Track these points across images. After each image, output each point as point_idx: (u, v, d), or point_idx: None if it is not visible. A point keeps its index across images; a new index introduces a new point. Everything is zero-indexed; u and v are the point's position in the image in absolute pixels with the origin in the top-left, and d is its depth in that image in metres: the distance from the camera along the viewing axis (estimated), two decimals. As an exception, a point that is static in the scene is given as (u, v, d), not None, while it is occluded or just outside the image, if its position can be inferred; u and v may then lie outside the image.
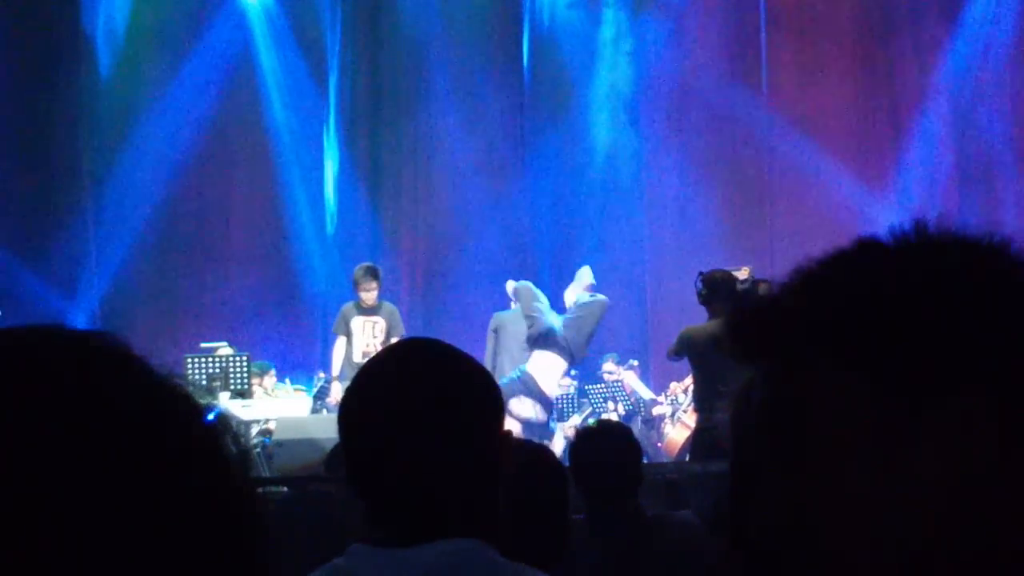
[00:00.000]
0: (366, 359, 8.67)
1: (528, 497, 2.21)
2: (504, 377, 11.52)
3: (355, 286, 12.34)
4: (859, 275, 0.95)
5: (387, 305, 12.36)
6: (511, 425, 10.99)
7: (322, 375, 13.77)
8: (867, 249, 0.98)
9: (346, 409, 1.90)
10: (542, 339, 11.62)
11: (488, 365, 12.15)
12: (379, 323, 12.08)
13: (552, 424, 11.83)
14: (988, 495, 0.88)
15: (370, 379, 1.92)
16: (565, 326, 11.68)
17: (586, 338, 11.77)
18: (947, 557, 0.88)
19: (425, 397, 1.84)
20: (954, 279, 0.92)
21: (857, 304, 0.92)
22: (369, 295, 12.12)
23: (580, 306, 11.84)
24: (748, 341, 0.98)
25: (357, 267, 12.77)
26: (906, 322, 0.90)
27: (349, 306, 12.31)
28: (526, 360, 11.92)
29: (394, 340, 11.86)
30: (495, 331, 12.39)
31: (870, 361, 0.90)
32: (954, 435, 0.88)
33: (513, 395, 11.27)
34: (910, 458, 0.89)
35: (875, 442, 0.90)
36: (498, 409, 1.93)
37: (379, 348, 11.82)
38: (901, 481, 0.89)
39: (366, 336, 12.02)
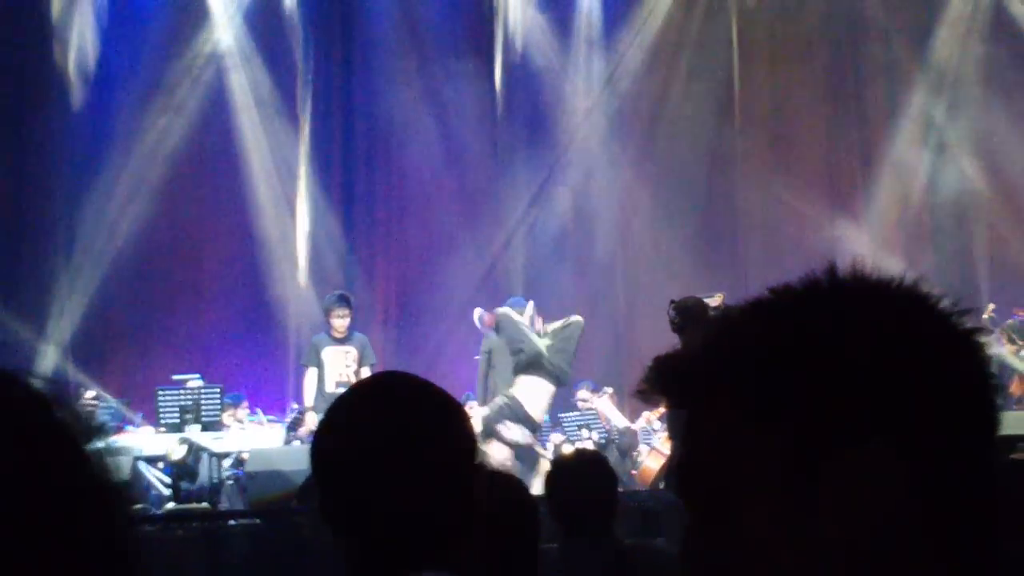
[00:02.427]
0: (339, 388, 8.68)
1: (499, 529, 2.18)
2: (493, 403, 11.51)
3: (326, 314, 12.27)
4: (762, 326, 0.94)
5: (358, 335, 12.30)
6: (501, 449, 10.96)
7: (295, 406, 13.71)
8: (776, 299, 0.97)
9: (319, 446, 1.88)
10: (531, 365, 11.59)
11: (480, 387, 12.12)
12: (351, 352, 12.02)
13: (537, 448, 11.80)
14: (892, 546, 0.87)
15: (342, 415, 1.90)
16: (550, 351, 11.66)
17: (569, 362, 11.76)
18: None
19: (398, 433, 1.82)
20: (856, 329, 0.91)
21: (757, 356, 0.91)
22: (341, 322, 12.04)
23: (557, 332, 11.80)
24: (667, 391, 0.98)
25: (328, 296, 12.72)
26: (805, 375, 0.89)
27: (320, 337, 12.24)
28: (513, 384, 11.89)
29: (366, 370, 11.84)
30: (488, 352, 12.32)
31: (770, 414, 0.89)
32: (854, 487, 0.88)
33: (500, 420, 11.24)
34: (811, 511, 0.88)
35: (778, 495, 0.89)
36: (471, 442, 1.91)
37: (352, 378, 11.78)
38: (804, 535, 0.88)
39: (338, 366, 11.95)
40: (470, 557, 1.86)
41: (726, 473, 0.91)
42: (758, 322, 0.95)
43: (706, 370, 0.94)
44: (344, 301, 12.27)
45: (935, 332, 0.93)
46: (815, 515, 0.88)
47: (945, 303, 0.95)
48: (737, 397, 0.91)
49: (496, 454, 11.14)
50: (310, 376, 12.10)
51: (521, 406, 11.28)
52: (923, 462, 0.88)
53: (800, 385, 0.89)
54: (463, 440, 1.89)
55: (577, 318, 11.92)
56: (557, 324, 11.78)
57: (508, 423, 11.24)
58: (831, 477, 0.88)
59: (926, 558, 0.88)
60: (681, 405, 0.96)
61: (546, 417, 13.03)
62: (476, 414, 11.42)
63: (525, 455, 11.35)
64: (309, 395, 12.09)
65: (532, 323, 11.84)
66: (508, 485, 2.71)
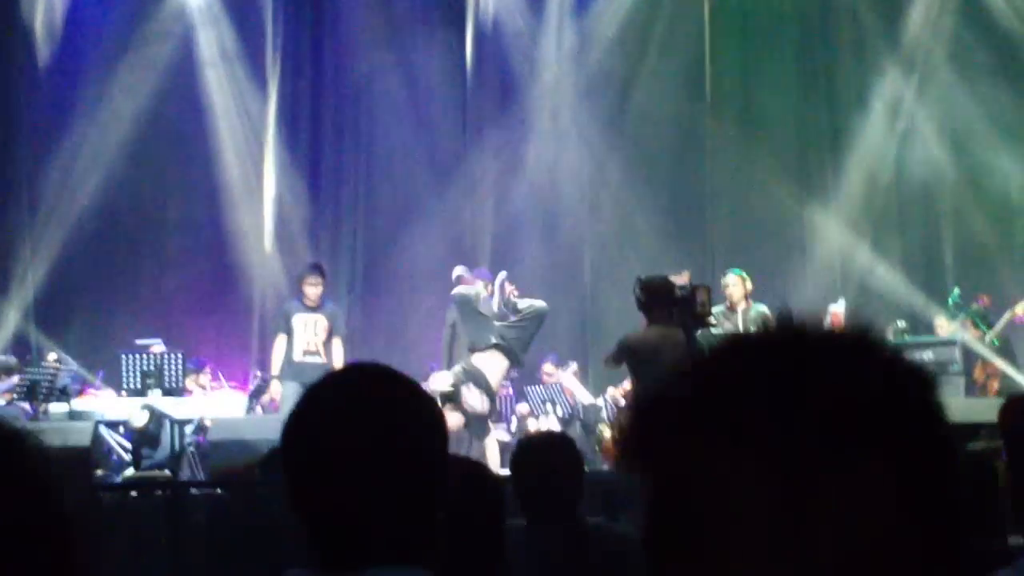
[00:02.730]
0: (307, 357, 8.63)
1: (463, 515, 2.18)
2: (456, 368, 11.51)
3: (299, 282, 12.24)
4: (737, 366, 0.97)
5: (330, 305, 12.27)
6: (454, 417, 10.97)
7: (258, 373, 13.67)
8: (739, 346, 1.00)
9: (289, 434, 1.86)
10: (488, 346, 11.58)
11: (445, 356, 12.10)
12: (320, 321, 11.97)
13: (490, 422, 11.81)
14: (886, 559, 0.91)
15: (314, 404, 1.88)
16: (508, 329, 11.63)
17: (526, 345, 11.73)
18: None
19: (368, 424, 1.81)
20: (833, 368, 0.95)
21: (742, 389, 0.94)
22: (313, 291, 11.99)
23: (522, 312, 11.76)
24: (639, 442, 0.99)
25: (303, 265, 12.71)
26: (794, 403, 0.92)
27: (291, 304, 12.20)
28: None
29: (336, 341, 11.82)
30: (452, 324, 12.30)
31: (760, 439, 0.92)
32: (847, 507, 0.91)
33: (464, 383, 11.26)
34: (804, 536, 0.91)
35: (769, 521, 0.91)
36: (441, 435, 1.90)
37: (320, 348, 11.75)
38: (796, 557, 0.91)
39: (307, 334, 11.91)
40: (435, 548, 1.85)
41: (714, 513, 0.93)
42: (740, 362, 0.98)
43: (696, 408, 0.96)
44: (318, 270, 12.26)
45: (900, 367, 0.98)
46: (811, 542, 0.91)
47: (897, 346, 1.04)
48: (722, 434, 0.93)
49: (450, 421, 11.14)
50: (279, 343, 12.05)
51: (483, 375, 11.30)
52: (908, 480, 0.92)
53: (789, 416, 0.92)
54: (433, 432, 1.89)
55: (541, 305, 11.81)
56: (523, 304, 11.73)
57: (471, 386, 11.27)
58: (822, 494, 0.91)
59: (914, 571, 0.92)
60: (660, 452, 0.97)
61: (507, 387, 13.04)
62: (442, 377, 11.43)
63: (476, 425, 11.37)
64: (276, 362, 12.04)
65: (503, 292, 11.78)
66: (473, 469, 2.70)
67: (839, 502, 0.91)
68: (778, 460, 0.91)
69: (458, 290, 11.89)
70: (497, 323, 11.57)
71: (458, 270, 12.25)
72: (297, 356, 11.82)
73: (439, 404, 1.95)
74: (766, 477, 0.91)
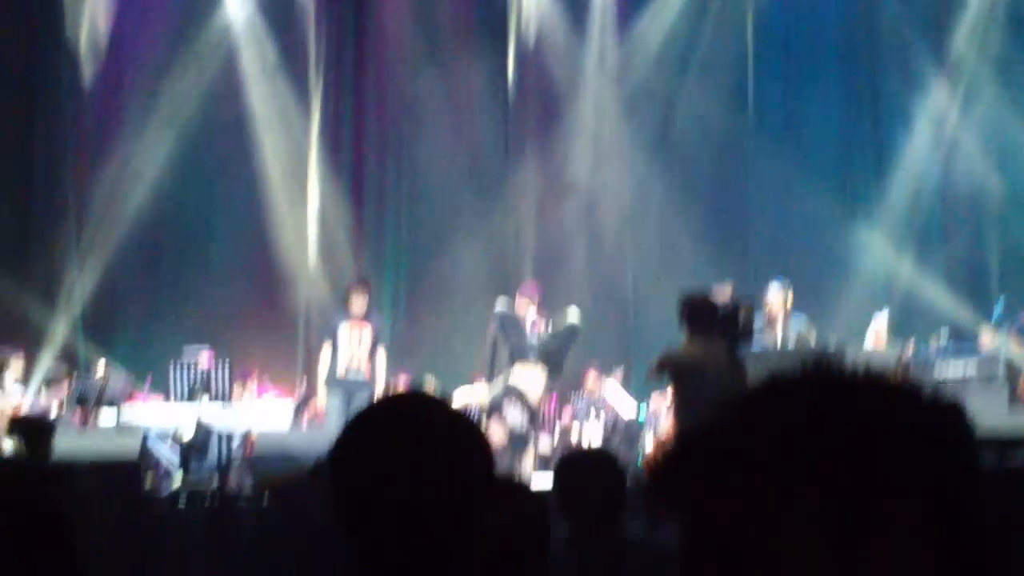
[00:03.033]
0: (349, 374, 8.69)
1: (508, 539, 2.22)
2: (497, 383, 11.59)
3: (346, 293, 12.35)
4: (783, 407, 0.97)
5: (376, 315, 12.48)
6: (498, 432, 11.03)
7: (304, 382, 13.79)
8: (781, 390, 1.00)
9: (338, 457, 1.91)
10: (526, 355, 11.65)
11: (487, 371, 12.13)
12: (367, 333, 12.07)
13: (531, 439, 11.85)
14: None
15: (363, 428, 1.93)
16: (543, 345, 11.71)
17: (562, 363, 11.82)
18: None
19: (416, 450, 1.85)
20: (881, 418, 0.96)
21: (791, 441, 0.94)
22: (360, 300, 12.14)
23: (556, 332, 11.87)
24: (676, 483, 0.99)
25: (348, 282, 12.86)
26: (843, 458, 0.93)
27: (338, 314, 12.36)
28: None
29: (380, 349, 11.92)
30: (493, 342, 12.35)
31: (810, 491, 0.92)
32: (891, 547, 0.92)
33: (507, 397, 11.36)
34: (859, 569, 0.92)
35: (820, 563, 0.92)
36: (487, 461, 1.94)
37: (363, 360, 11.83)
38: None
39: (352, 346, 12.00)
40: (479, 571, 1.90)
41: (755, 561, 0.93)
42: (783, 402, 0.98)
43: (747, 448, 0.96)
44: (364, 284, 12.48)
45: (937, 409, 0.99)
46: (866, 568, 0.92)
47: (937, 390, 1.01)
48: (770, 475, 0.94)
49: (494, 436, 11.22)
50: (324, 352, 12.17)
51: (523, 394, 11.35)
52: (945, 522, 0.94)
53: (834, 457, 0.93)
54: (478, 459, 1.92)
55: (573, 321, 11.89)
56: (560, 326, 11.86)
57: (512, 404, 11.32)
58: (870, 540, 0.92)
59: None
60: (698, 497, 0.97)
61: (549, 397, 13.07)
62: (482, 389, 11.50)
63: (516, 441, 11.42)
64: (322, 372, 12.17)
65: (534, 326, 11.89)
66: (518, 494, 2.74)
67: (889, 559, 0.92)
68: (830, 515, 0.92)
69: (500, 307, 11.98)
70: (538, 336, 11.67)
71: (499, 304, 12.27)
72: (340, 371, 11.91)
73: (482, 426, 1.98)
74: (816, 531, 0.92)
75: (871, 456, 0.93)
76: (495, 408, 11.37)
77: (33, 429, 7.94)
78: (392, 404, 2.02)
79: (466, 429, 1.95)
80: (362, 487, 1.87)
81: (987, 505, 0.98)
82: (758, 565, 0.93)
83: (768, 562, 0.93)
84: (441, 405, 1.98)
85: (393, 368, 13.08)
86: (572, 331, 11.88)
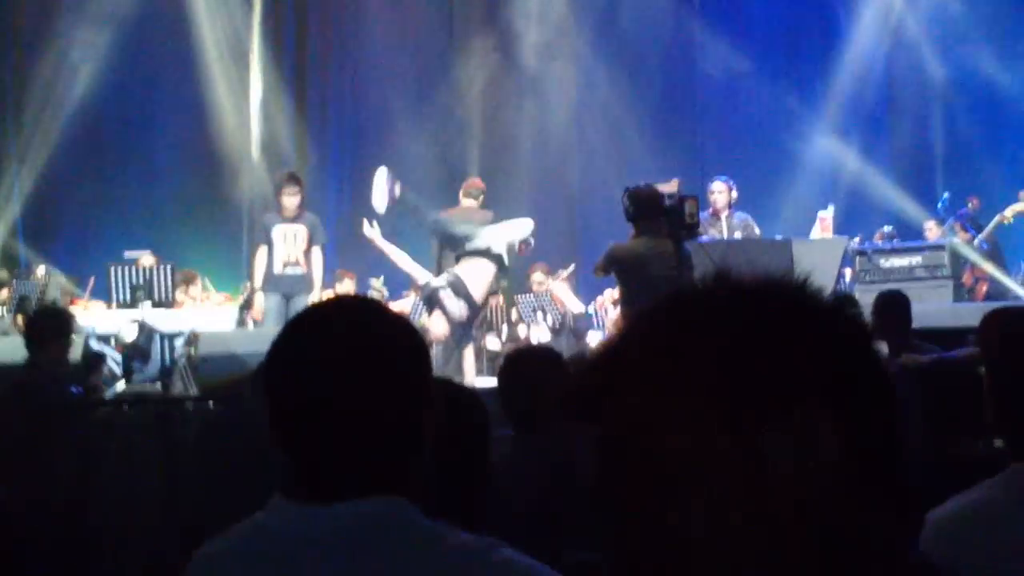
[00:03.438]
0: (287, 269, 8.60)
1: (445, 439, 2.18)
2: (439, 276, 11.55)
3: (276, 192, 12.11)
4: (682, 325, 1.01)
5: (309, 215, 12.15)
6: (441, 324, 11.04)
7: (248, 284, 13.67)
8: (682, 301, 1.04)
9: (272, 362, 1.85)
10: (474, 252, 11.61)
11: (434, 266, 12.09)
12: (300, 231, 11.90)
13: (472, 330, 11.89)
14: (834, 495, 0.96)
15: (298, 333, 1.87)
16: (494, 232, 11.67)
17: (510, 256, 11.77)
18: (808, 560, 0.96)
19: (354, 353, 1.80)
20: (774, 320, 1.00)
21: (687, 347, 0.99)
22: (291, 200, 11.88)
23: (506, 223, 11.84)
24: (589, 396, 1.02)
25: (278, 173, 12.58)
26: (736, 358, 0.97)
27: (270, 215, 12.08)
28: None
29: (316, 250, 11.78)
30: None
31: (710, 389, 0.96)
32: (794, 447, 0.96)
33: (445, 289, 11.32)
34: (751, 477, 0.95)
35: (721, 468, 0.96)
36: (427, 366, 1.89)
37: (301, 258, 11.72)
38: (752, 504, 0.95)
39: (287, 245, 11.84)
40: (421, 480, 1.85)
41: (665, 463, 0.97)
42: (687, 317, 1.02)
43: (647, 358, 1.00)
44: (294, 180, 12.08)
45: (839, 319, 1.03)
46: (763, 482, 0.95)
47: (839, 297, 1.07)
48: (673, 386, 0.97)
49: (436, 328, 11.26)
50: (259, 255, 11.96)
51: (464, 284, 11.34)
52: (848, 418, 0.97)
53: (730, 368, 0.97)
54: (419, 363, 1.87)
55: (527, 221, 11.87)
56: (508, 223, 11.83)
57: (451, 293, 11.32)
58: (773, 442, 0.95)
59: (865, 504, 0.98)
60: (610, 405, 1.00)
61: (502, 298, 13.08)
62: (423, 281, 11.48)
63: (458, 333, 11.45)
64: (258, 275, 12.01)
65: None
66: (455, 395, 2.70)
67: (786, 448, 0.95)
68: (726, 408, 0.95)
69: (434, 217, 11.89)
70: (488, 227, 11.63)
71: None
72: (277, 268, 11.76)
73: (423, 316, 1.95)
74: (716, 426, 0.95)
75: (763, 359, 0.97)
76: (434, 299, 11.36)
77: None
78: (326, 309, 1.95)
79: (400, 327, 1.90)
80: (295, 396, 1.81)
81: (894, 407, 1.02)
82: (663, 469, 0.97)
83: (672, 468, 0.97)
84: (377, 308, 1.93)
85: (338, 267, 12.98)
86: (525, 225, 11.85)
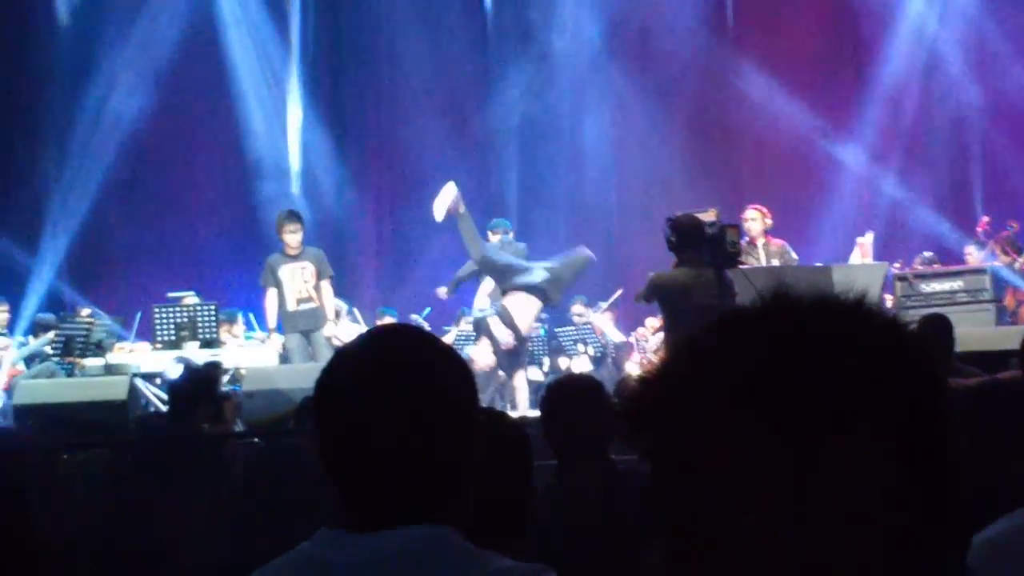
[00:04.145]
0: (301, 306, 8.65)
1: (491, 470, 2.20)
2: (486, 305, 11.67)
3: (278, 231, 12.09)
4: (739, 343, 0.99)
5: (312, 249, 12.16)
6: (486, 354, 11.14)
7: (260, 332, 13.74)
8: (738, 319, 1.03)
9: (322, 391, 1.87)
10: (523, 287, 11.72)
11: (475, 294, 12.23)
12: (307, 268, 11.92)
13: (522, 359, 11.97)
14: (888, 524, 0.94)
15: (347, 363, 1.88)
16: (549, 270, 11.77)
17: (562, 290, 11.89)
18: None
19: (402, 383, 1.82)
20: (830, 339, 0.98)
21: (743, 366, 0.97)
22: (293, 238, 11.90)
23: (561, 258, 11.97)
24: (642, 417, 1.02)
25: (278, 212, 12.58)
26: (792, 377, 0.95)
27: (274, 256, 12.06)
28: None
29: (325, 283, 11.81)
30: (475, 269, 12.44)
31: (764, 405, 0.95)
32: (845, 472, 0.94)
33: (492, 317, 11.46)
34: (804, 498, 0.94)
35: (777, 490, 0.94)
36: (473, 395, 1.91)
37: (313, 293, 11.76)
38: (799, 520, 0.94)
39: (297, 283, 11.87)
40: (467, 508, 1.87)
41: (719, 477, 0.95)
42: (743, 332, 1.00)
43: (699, 380, 0.98)
44: (294, 216, 12.12)
45: (897, 338, 1.00)
46: (813, 505, 0.94)
47: (897, 315, 1.04)
48: (727, 400, 0.96)
49: (481, 359, 11.34)
50: (270, 297, 12.00)
51: (510, 315, 11.43)
52: (905, 445, 0.95)
53: (786, 387, 0.95)
54: (465, 392, 1.89)
55: (585, 252, 12.00)
56: (565, 258, 11.96)
57: (499, 322, 11.43)
58: (823, 467, 0.94)
59: (917, 534, 0.95)
60: (662, 425, 0.99)
61: (542, 330, 13.11)
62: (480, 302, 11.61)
63: (507, 362, 11.52)
64: (271, 317, 12.08)
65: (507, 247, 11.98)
66: (499, 426, 2.72)
67: (840, 467, 0.93)
68: (781, 425, 0.94)
69: (482, 252, 11.99)
70: (536, 262, 11.74)
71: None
72: (291, 306, 11.81)
73: (469, 361, 1.96)
74: (770, 441, 0.94)
75: (822, 388, 0.95)
76: (481, 326, 11.50)
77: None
78: (375, 339, 1.97)
79: (446, 357, 1.91)
80: (343, 425, 1.83)
81: (954, 430, 0.99)
82: (715, 486, 0.96)
83: (729, 484, 0.96)
84: (425, 337, 1.95)
85: (377, 307, 13.05)
86: (581, 261, 11.97)
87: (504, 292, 11.77)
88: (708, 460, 0.96)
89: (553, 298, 11.88)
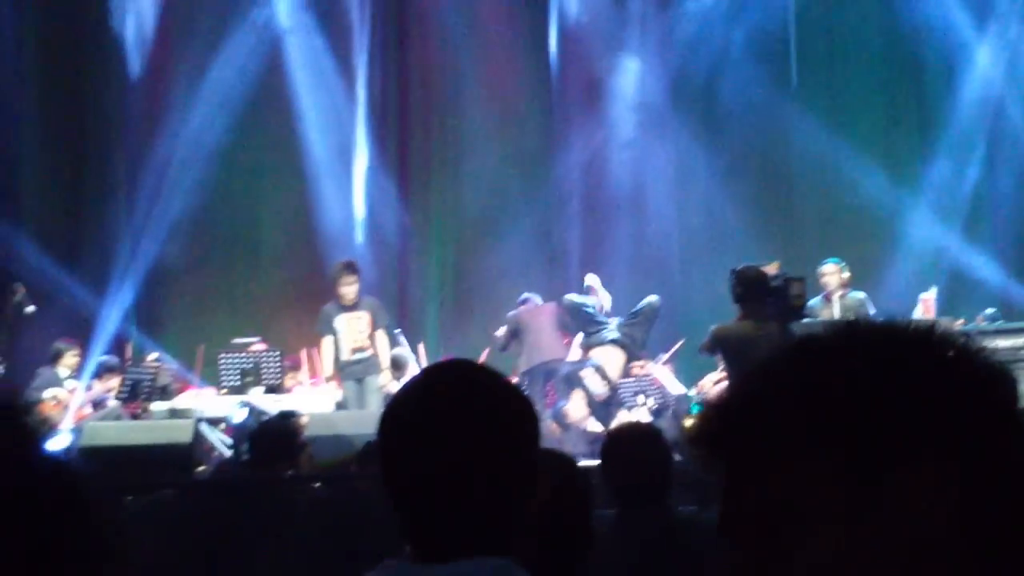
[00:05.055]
0: (356, 355, 8.76)
1: (551, 505, 2.24)
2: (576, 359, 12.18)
3: (334, 284, 12.21)
4: (810, 370, 1.00)
5: (368, 299, 12.27)
6: (579, 408, 11.39)
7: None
8: (810, 347, 1.03)
9: (386, 428, 1.91)
10: (603, 342, 12.02)
11: (520, 357, 12.36)
12: (363, 318, 12.02)
13: (613, 410, 12.15)
14: (946, 555, 0.95)
15: (411, 400, 1.92)
16: (626, 327, 12.03)
17: (642, 341, 12.14)
18: None
19: (466, 421, 1.85)
20: (900, 367, 0.98)
21: (814, 393, 0.98)
22: (349, 290, 12.01)
23: (635, 313, 12.21)
24: (714, 440, 1.04)
25: (335, 264, 12.68)
26: (863, 405, 0.96)
27: (330, 306, 12.19)
28: (551, 343, 12.52)
29: (380, 333, 11.90)
30: (514, 332, 12.66)
31: (832, 439, 0.96)
32: (912, 502, 0.95)
33: (584, 370, 11.65)
34: (871, 526, 0.95)
35: (841, 517, 0.96)
36: (534, 429, 1.94)
37: (368, 342, 11.85)
38: (866, 547, 0.95)
39: (353, 332, 11.96)
40: (525, 540, 1.90)
41: (789, 505, 0.97)
42: (813, 362, 1.01)
43: (770, 411, 1.00)
44: (350, 268, 12.25)
45: (968, 366, 1.00)
46: (879, 525, 0.95)
47: (968, 342, 1.02)
48: (797, 431, 0.98)
49: (575, 412, 11.50)
50: (326, 346, 12.11)
51: (603, 367, 11.69)
52: (970, 480, 0.95)
53: (857, 415, 0.96)
54: (526, 427, 1.92)
55: (653, 301, 12.20)
56: (642, 303, 12.23)
57: (593, 373, 11.62)
58: (890, 496, 0.95)
59: (974, 568, 0.95)
60: (734, 451, 1.02)
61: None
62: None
63: (600, 413, 11.71)
64: (327, 365, 12.18)
65: (600, 310, 12.28)
66: (559, 464, 2.77)
67: (903, 498, 0.95)
68: (851, 457, 0.96)
69: (570, 297, 12.26)
70: (617, 320, 11.96)
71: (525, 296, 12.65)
72: (346, 355, 11.91)
73: (530, 400, 1.99)
74: (838, 474, 0.96)
75: (889, 420, 0.95)
76: (574, 380, 11.73)
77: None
78: (438, 374, 2.00)
79: (513, 396, 1.94)
80: (407, 458, 1.87)
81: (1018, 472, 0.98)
82: (784, 518, 0.97)
83: (792, 516, 0.97)
84: (487, 373, 1.97)
85: (442, 350, 13.12)
86: (653, 309, 12.16)
87: (590, 347, 12.05)
88: (776, 484, 0.98)
89: (636, 355, 12.14)
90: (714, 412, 1.05)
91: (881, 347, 1.00)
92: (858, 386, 0.97)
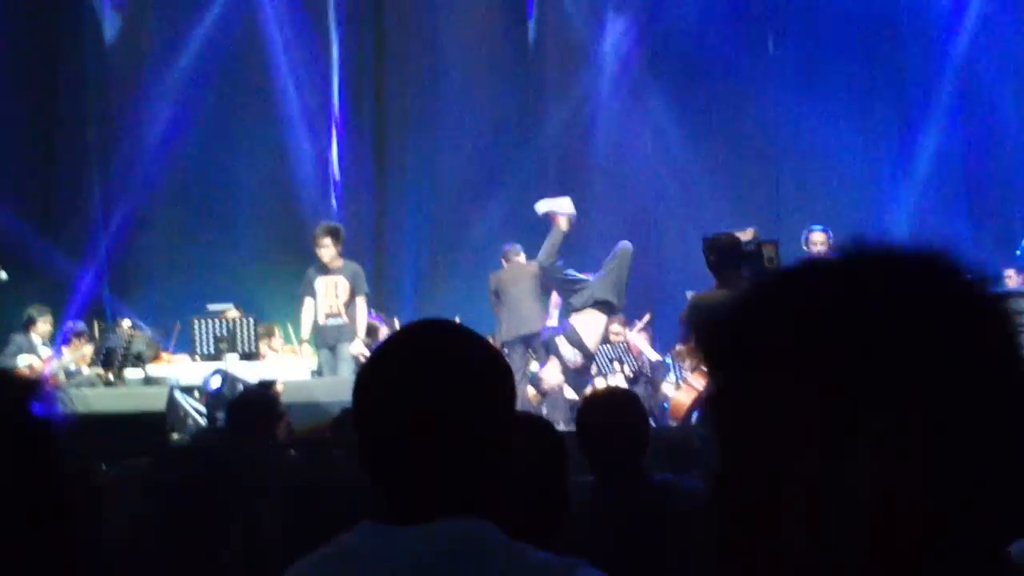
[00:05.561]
0: (329, 320, 8.71)
1: (526, 470, 2.22)
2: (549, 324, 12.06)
3: (313, 244, 12.09)
4: (809, 292, 0.97)
5: (350, 264, 12.10)
6: (555, 374, 11.30)
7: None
8: (816, 268, 1.00)
9: (361, 387, 1.88)
10: (584, 303, 11.93)
11: (500, 324, 12.30)
12: (341, 283, 11.88)
13: (588, 378, 12.13)
14: (915, 503, 0.92)
15: (386, 358, 1.90)
16: (602, 280, 11.94)
17: (619, 292, 12.04)
18: (878, 555, 0.92)
19: (440, 378, 1.83)
20: (898, 299, 0.94)
21: (806, 318, 0.95)
22: (323, 252, 11.82)
23: (608, 262, 12.12)
24: (711, 350, 1.02)
25: (316, 226, 12.58)
26: (854, 337, 0.92)
27: (313, 267, 12.06)
28: (530, 312, 12.24)
29: (360, 299, 11.77)
30: (495, 293, 12.54)
31: (817, 369, 0.93)
32: (885, 445, 0.92)
33: (557, 335, 11.56)
34: (847, 460, 0.92)
35: (814, 445, 0.93)
36: (510, 388, 1.92)
37: (341, 309, 11.75)
38: (838, 483, 0.93)
39: (328, 297, 11.85)
40: (502, 501, 1.89)
41: (773, 427, 0.95)
42: (801, 289, 0.98)
43: (752, 333, 0.98)
44: (325, 231, 12.03)
45: (964, 301, 0.97)
46: (853, 461, 0.92)
47: (970, 272, 0.99)
48: (783, 358, 0.95)
49: (550, 377, 11.48)
50: (306, 307, 11.97)
51: (577, 334, 11.61)
52: (949, 426, 0.92)
53: (841, 348, 0.93)
54: (502, 387, 1.90)
55: (624, 245, 12.10)
56: (611, 262, 12.12)
57: (565, 341, 11.60)
58: (866, 433, 0.92)
59: (948, 515, 0.93)
60: (724, 363, 1.00)
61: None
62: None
63: (575, 382, 11.68)
64: (305, 327, 12.05)
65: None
66: (536, 428, 2.75)
67: (875, 437, 0.91)
68: (826, 392, 0.92)
69: (541, 261, 12.18)
70: (591, 276, 11.89)
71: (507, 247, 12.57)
72: (320, 319, 11.83)
73: (506, 358, 1.96)
74: (813, 405, 0.93)
75: (871, 359, 0.92)
76: (550, 346, 11.69)
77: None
78: (414, 333, 1.98)
79: (488, 353, 1.93)
80: (382, 418, 1.84)
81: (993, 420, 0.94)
82: (757, 441, 0.96)
83: (764, 442, 0.95)
84: (462, 331, 1.94)
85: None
86: (624, 255, 12.09)
87: (570, 311, 11.97)
88: (764, 400, 0.95)
89: (619, 306, 12.05)
90: (704, 329, 1.02)
91: (885, 278, 0.96)
92: (844, 303, 0.94)
